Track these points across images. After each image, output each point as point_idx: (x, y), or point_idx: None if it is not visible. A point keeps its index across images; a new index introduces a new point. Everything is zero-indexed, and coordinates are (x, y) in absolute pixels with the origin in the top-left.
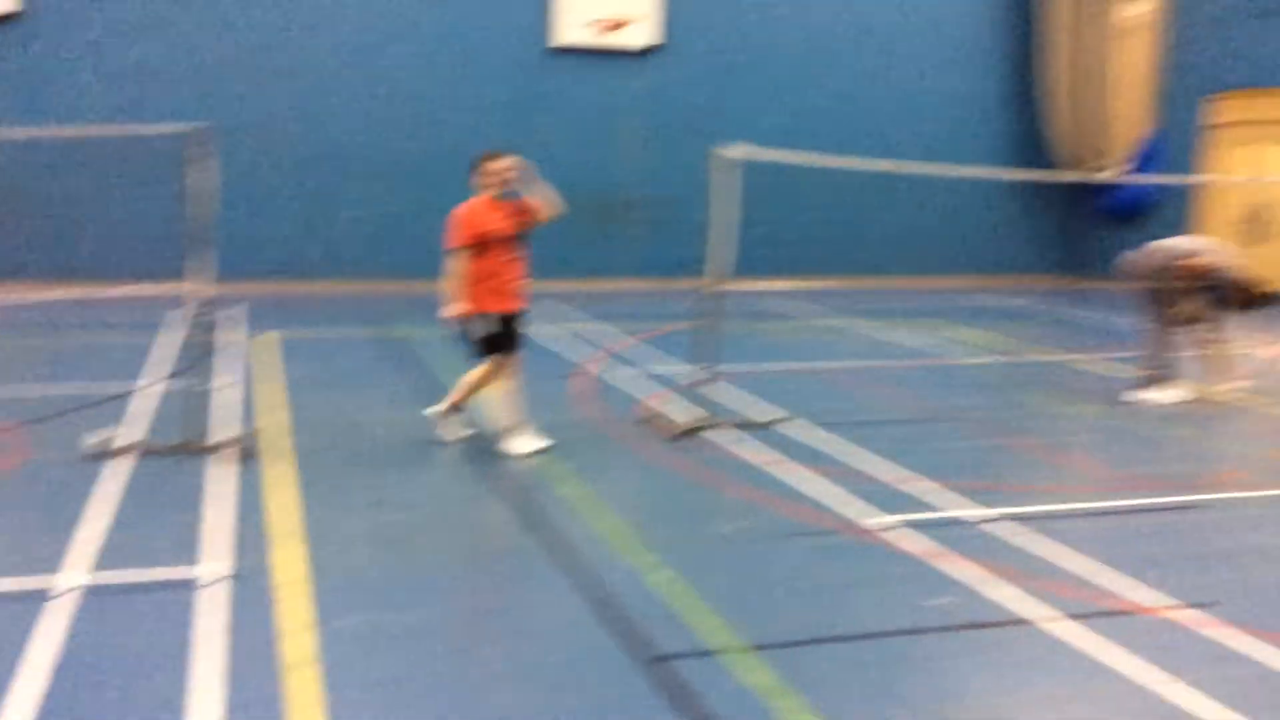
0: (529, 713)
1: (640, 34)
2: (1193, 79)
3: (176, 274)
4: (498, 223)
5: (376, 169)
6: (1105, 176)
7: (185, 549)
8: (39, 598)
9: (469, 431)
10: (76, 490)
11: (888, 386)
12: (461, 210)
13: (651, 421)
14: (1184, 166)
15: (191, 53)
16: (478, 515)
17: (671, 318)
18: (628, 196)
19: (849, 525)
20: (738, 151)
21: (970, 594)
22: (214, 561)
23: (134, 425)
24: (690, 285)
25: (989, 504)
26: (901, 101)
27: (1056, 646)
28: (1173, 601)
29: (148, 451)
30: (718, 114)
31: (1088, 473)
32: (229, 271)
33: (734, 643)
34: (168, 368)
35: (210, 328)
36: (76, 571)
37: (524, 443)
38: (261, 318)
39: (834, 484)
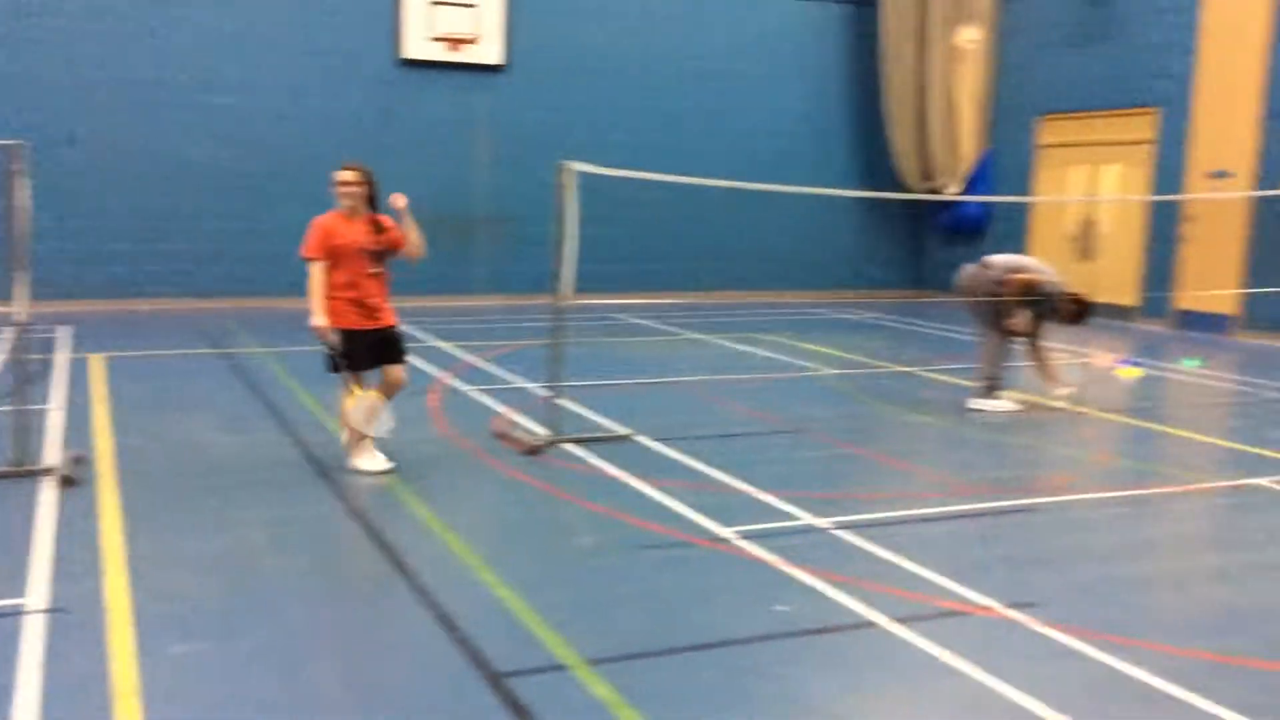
0: None
1: (486, 52)
2: (1023, 102)
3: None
4: (346, 237)
5: (217, 184)
6: (944, 195)
7: (6, 578)
8: None
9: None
10: None
11: (739, 399)
12: (315, 221)
13: (504, 438)
14: (1018, 185)
15: (16, 62)
16: (323, 535)
17: (525, 334)
18: (481, 213)
19: (699, 536)
20: (581, 167)
21: (816, 600)
22: (38, 590)
23: None
24: (543, 301)
25: (836, 512)
26: (750, 120)
27: (896, 648)
28: (1003, 601)
29: None
30: (568, 131)
31: (930, 480)
32: (61, 290)
33: (578, 657)
34: None
35: (33, 349)
36: None
37: (372, 460)
38: (95, 337)
39: (685, 496)
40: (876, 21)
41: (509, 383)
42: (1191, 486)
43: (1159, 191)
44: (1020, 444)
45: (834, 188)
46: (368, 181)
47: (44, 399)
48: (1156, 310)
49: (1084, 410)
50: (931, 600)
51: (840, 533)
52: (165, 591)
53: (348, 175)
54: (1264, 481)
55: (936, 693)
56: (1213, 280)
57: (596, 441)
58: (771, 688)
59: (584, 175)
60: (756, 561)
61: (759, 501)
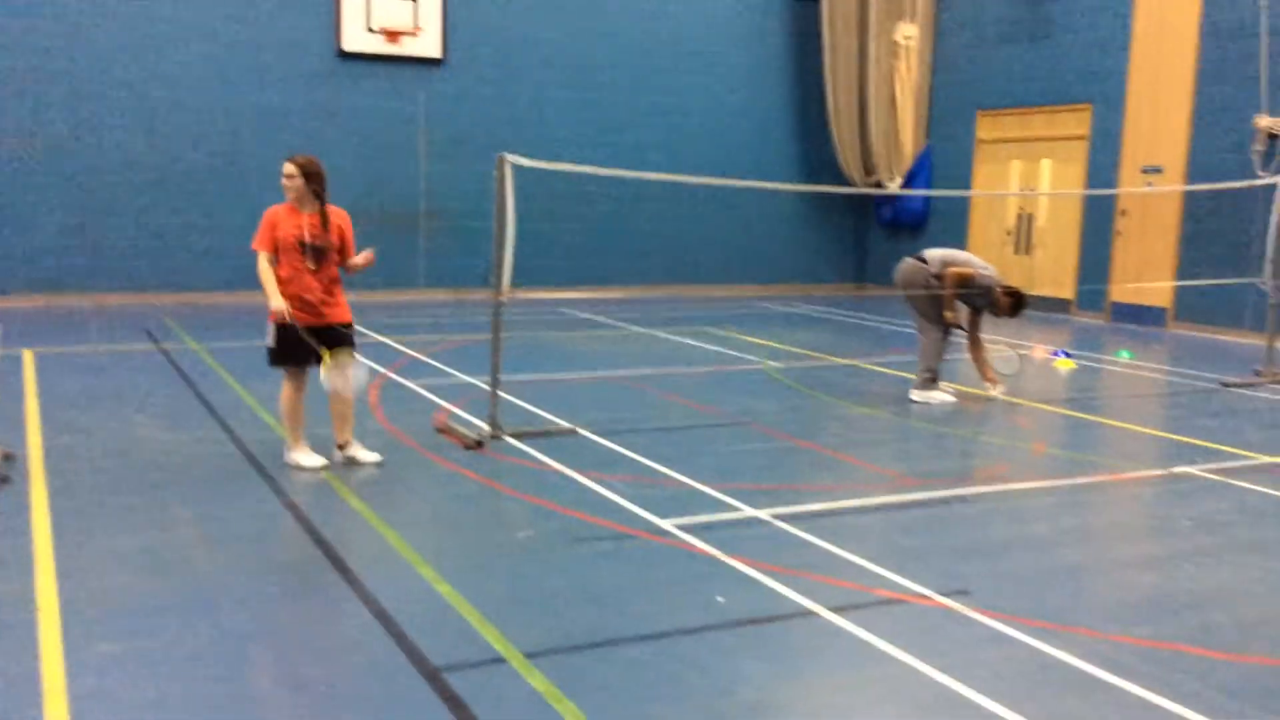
0: None
1: (424, 44)
2: (961, 98)
3: None
4: (286, 229)
5: (152, 178)
6: (886, 189)
7: None
8: None
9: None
10: None
11: (682, 393)
12: (266, 211)
13: (446, 432)
14: (957, 180)
15: None
16: (259, 532)
17: (468, 329)
18: (422, 207)
19: (639, 529)
20: (519, 161)
21: (755, 590)
22: None
23: None
24: (485, 296)
25: (776, 504)
26: (693, 115)
27: (834, 636)
28: (939, 590)
29: None
30: (509, 124)
31: (869, 471)
32: None
33: (516, 651)
34: None
35: None
36: None
37: (308, 456)
38: (25, 333)
39: (626, 489)
40: (818, 17)
41: (451, 377)
42: (1124, 475)
43: (1094, 186)
44: (959, 435)
45: (777, 182)
46: (307, 174)
47: None
48: (1092, 303)
49: (1021, 401)
50: (869, 589)
51: (780, 524)
52: (96, 589)
53: (288, 168)
54: (1194, 469)
55: (873, 680)
56: (1146, 274)
57: (539, 436)
58: (710, 678)
59: (526, 169)
60: (696, 553)
61: (700, 494)
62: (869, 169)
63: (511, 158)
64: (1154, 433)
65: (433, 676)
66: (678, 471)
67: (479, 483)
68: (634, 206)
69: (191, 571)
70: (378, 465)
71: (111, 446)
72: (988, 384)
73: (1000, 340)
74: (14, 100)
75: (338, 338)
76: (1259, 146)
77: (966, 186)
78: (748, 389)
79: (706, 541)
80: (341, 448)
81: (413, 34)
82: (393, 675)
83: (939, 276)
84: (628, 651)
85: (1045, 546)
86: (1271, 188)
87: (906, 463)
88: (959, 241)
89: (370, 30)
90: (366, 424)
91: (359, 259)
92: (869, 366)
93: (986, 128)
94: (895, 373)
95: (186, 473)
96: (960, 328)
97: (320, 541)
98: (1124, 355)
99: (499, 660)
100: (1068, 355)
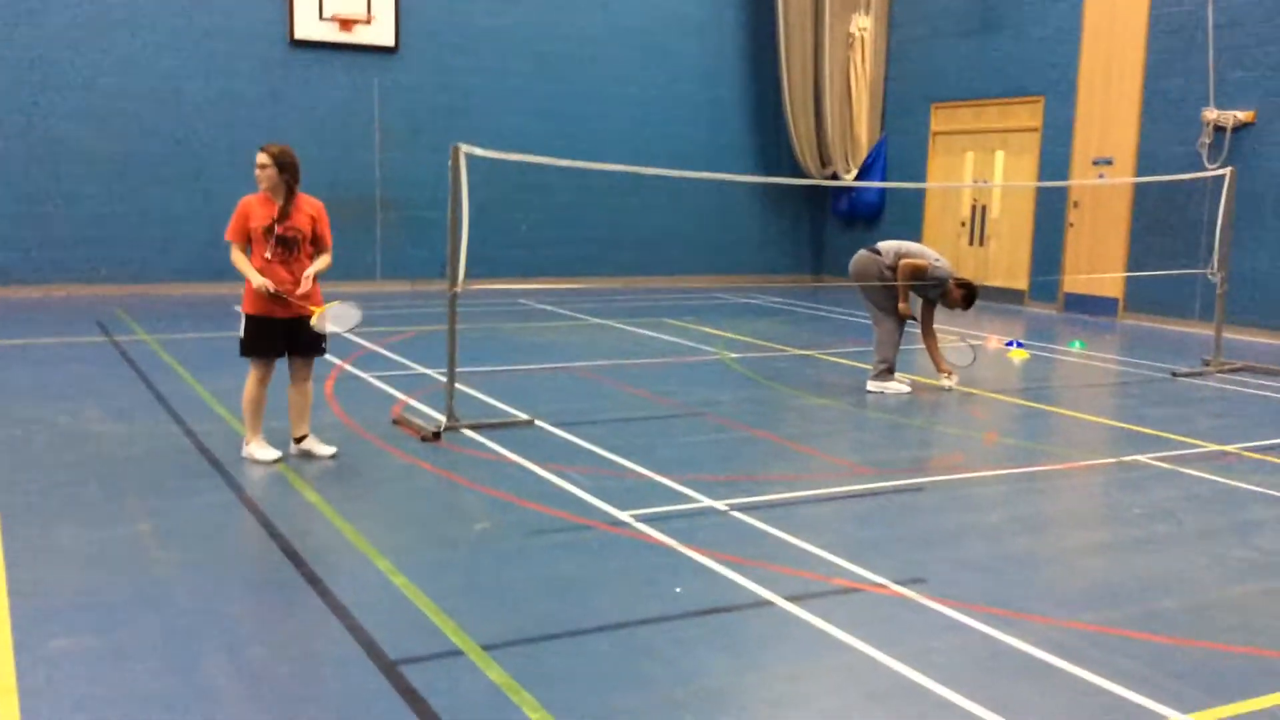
0: None
1: (378, 32)
2: (916, 90)
3: None
4: (256, 219)
5: (103, 167)
6: (843, 181)
7: None
8: None
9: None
10: None
11: (640, 384)
12: (240, 200)
13: (403, 424)
14: (911, 172)
15: None
16: (213, 526)
17: (424, 319)
18: (377, 197)
19: (597, 520)
20: (474, 150)
21: (712, 580)
22: None
23: None
24: (441, 287)
25: (733, 494)
26: (649, 105)
27: (791, 626)
28: (895, 579)
29: None
30: (464, 113)
31: (826, 461)
32: None
33: (474, 643)
34: None
35: None
36: None
37: (263, 450)
38: None
39: (583, 480)
40: (773, 9)
41: (408, 369)
42: (1076, 464)
43: (1046, 178)
44: (914, 425)
45: (733, 173)
46: (280, 164)
47: None
48: (1045, 294)
49: (975, 391)
50: (826, 579)
51: (737, 514)
52: (45, 585)
53: (261, 157)
54: (1144, 458)
55: (830, 668)
56: (1098, 265)
57: (496, 427)
58: (668, 668)
59: (484, 159)
60: (654, 544)
61: (657, 485)
62: (825, 160)
63: (466, 148)
64: (1105, 422)
65: (390, 669)
66: (635, 462)
67: (436, 475)
68: (592, 197)
69: (145, 566)
70: (333, 458)
71: (62, 440)
72: (941, 375)
73: (955, 331)
74: None
75: (304, 336)
76: (1206, 139)
77: (921, 178)
78: (705, 380)
79: (664, 532)
80: (298, 441)
81: (365, 22)
82: (349, 668)
83: (893, 268)
84: (586, 642)
85: (999, 535)
86: (1219, 180)
87: (863, 453)
88: (914, 233)
89: (323, 18)
90: (322, 417)
91: (308, 275)
92: (825, 357)
93: (941, 120)
94: (851, 363)
95: (139, 466)
96: (914, 319)
97: (276, 535)
98: (1076, 345)
99: (456, 653)
100: (1021, 346)
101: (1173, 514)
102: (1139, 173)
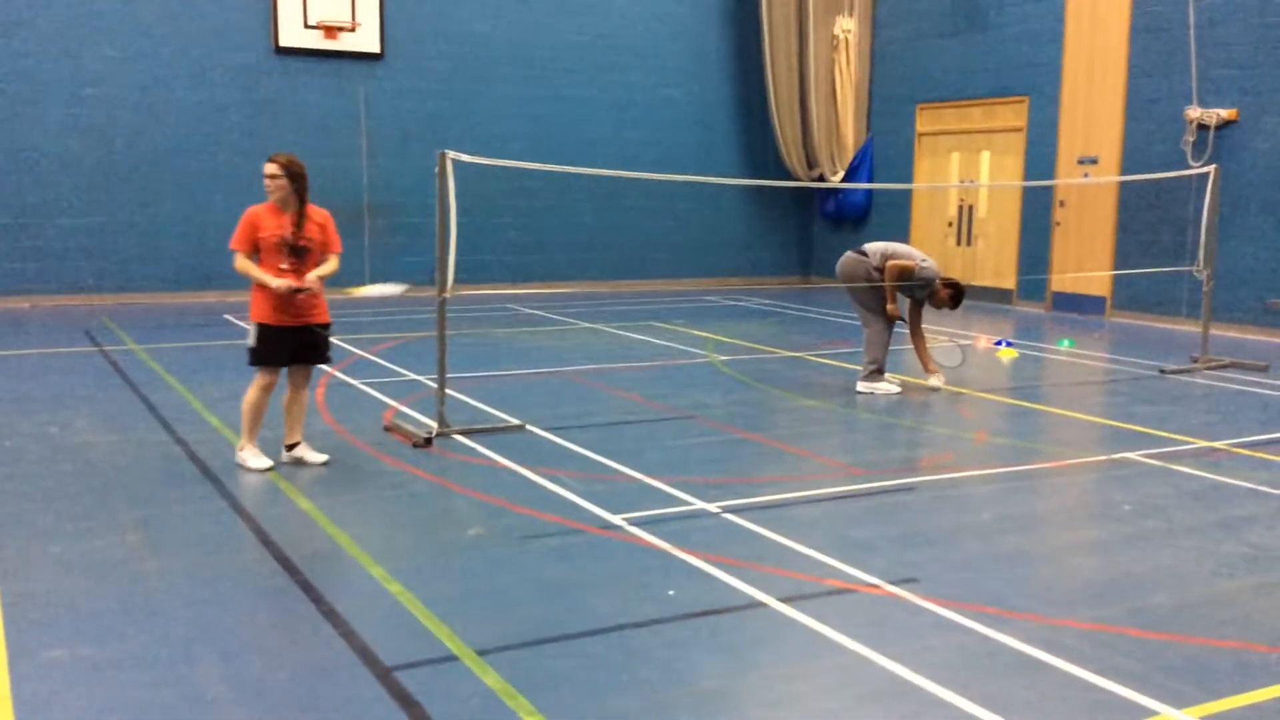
0: None
1: (363, 39)
2: (901, 91)
3: None
4: (269, 229)
5: (88, 178)
6: (830, 182)
7: None
8: None
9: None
10: None
11: (631, 387)
12: (246, 210)
13: (394, 431)
14: (898, 173)
15: None
16: (206, 534)
17: (415, 326)
18: (365, 204)
19: (589, 524)
20: (460, 156)
21: (706, 583)
22: None
23: None
24: (431, 293)
25: (725, 496)
26: (635, 109)
27: (784, 627)
28: (888, 579)
29: None
30: (450, 120)
31: (817, 462)
32: None
33: (468, 648)
34: None
35: None
36: None
37: (256, 458)
38: None
39: (575, 485)
40: (757, 11)
41: (399, 375)
42: (1066, 462)
43: (1032, 178)
44: (905, 425)
45: (721, 176)
46: (289, 173)
47: None
48: (1033, 293)
49: (965, 391)
50: (819, 580)
51: (729, 516)
52: (38, 595)
53: (270, 167)
54: (1133, 455)
55: (824, 669)
56: (1085, 263)
57: (487, 432)
58: (662, 670)
59: (471, 165)
60: (647, 547)
61: (649, 488)
62: (811, 162)
63: (453, 154)
64: (1095, 420)
65: (385, 676)
66: (627, 466)
67: (428, 481)
68: (579, 202)
69: (138, 575)
70: (325, 465)
71: (53, 449)
72: (929, 375)
73: (944, 332)
74: None
75: (313, 346)
76: (1190, 137)
77: (908, 179)
78: (695, 382)
79: (657, 535)
80: (290, 448)
81: (351, 29)
82: (345, 676)
83: (880, 270)
84: (581, 646)
85: (990, 533)
86: (1204, 177)
87: (854, 453)
88: (901, 234)
89: (307, 26)
90: (314, 424)
91: (312, 277)
92: (815, 358)
93: (926, 121)
94: (841, 364)
95: (131, 475)
96: (902, 320)
97: (269, 543)
98: (1065, 344)
99: (451, 658)
100: (1010, 345)
101: (1163, 510)
102: (1124, 171)
